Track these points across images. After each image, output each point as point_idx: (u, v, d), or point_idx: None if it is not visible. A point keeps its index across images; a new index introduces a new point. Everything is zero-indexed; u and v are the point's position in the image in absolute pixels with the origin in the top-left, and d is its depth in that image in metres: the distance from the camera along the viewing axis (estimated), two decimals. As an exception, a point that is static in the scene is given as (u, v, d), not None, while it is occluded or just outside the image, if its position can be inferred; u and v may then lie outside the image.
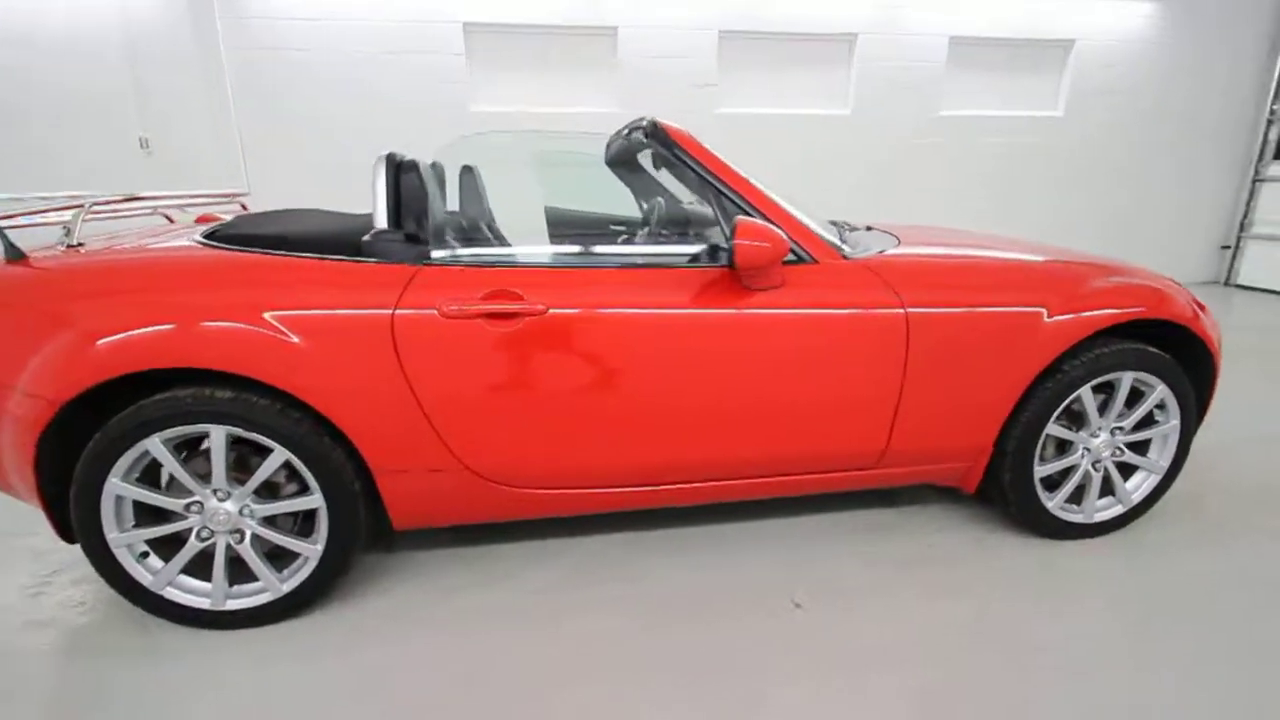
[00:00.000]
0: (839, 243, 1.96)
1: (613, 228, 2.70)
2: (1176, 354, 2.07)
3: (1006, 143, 6.42)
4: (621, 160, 2.72)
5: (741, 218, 1.65)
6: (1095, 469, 2.10)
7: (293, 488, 1.74)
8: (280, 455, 1.63)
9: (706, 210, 1.99)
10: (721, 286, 1.75)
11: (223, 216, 2.29)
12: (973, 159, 6.42)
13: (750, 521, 2.23)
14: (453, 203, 2.36)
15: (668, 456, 1.82)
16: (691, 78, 5.81)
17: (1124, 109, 6.55)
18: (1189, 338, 2.04)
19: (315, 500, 1.68)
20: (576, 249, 1.90)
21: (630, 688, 1.55)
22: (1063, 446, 2.11)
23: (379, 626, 1.76)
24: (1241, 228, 6.93)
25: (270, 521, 1.72)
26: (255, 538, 1.70)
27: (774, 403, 1.81)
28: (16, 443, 1.56)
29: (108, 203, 1.93)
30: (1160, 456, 2.13)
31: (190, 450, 1.70)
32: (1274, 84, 6.62)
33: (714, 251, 1.82)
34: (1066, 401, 1.97)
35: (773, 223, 1.79)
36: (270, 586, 1.72)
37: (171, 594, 1.70)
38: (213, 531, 1.67)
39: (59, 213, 1.88)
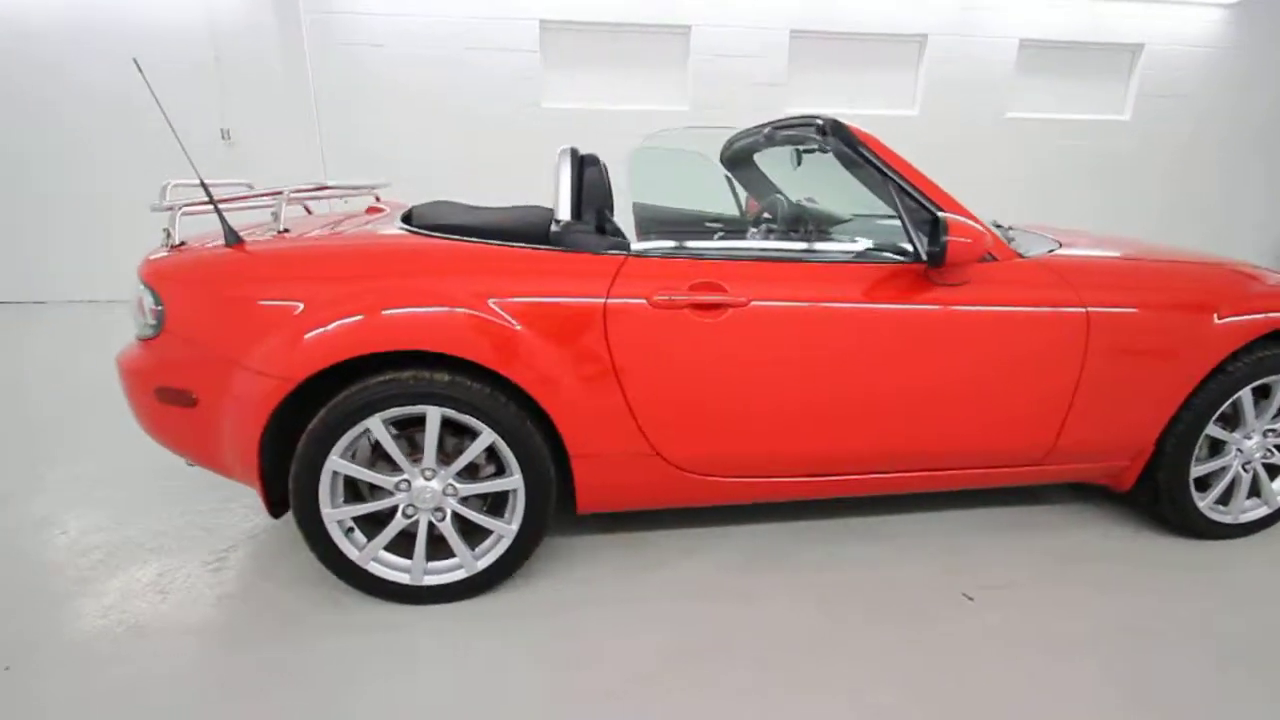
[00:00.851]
0: (1011, 242, 2.00)
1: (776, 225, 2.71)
2: None
3: (1073, 146, 6.40)
4: (740, 159, 2.77)
5: (950, 215, 1.68)
6: (1245, 470, 2.12)
7: (490, 469, 1.80)
8: (488, 437, 1.68)
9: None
10: (911, 281, 1.80)
11: (383, 207, 2.35)
12: (1039, 162, 6.41)
13: (897, 515, 2.27)
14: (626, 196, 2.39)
15: (853, 447, 1.87)
16: (761, 77, 5.85)
17: (1193, 114, 6.52)
18: None
19: (515, 481, 1.74)
20: (771, 244, 1.94)
21: (842, 665, 1.60)
22: (1215, 447, 2.14)
23: (581, 594, 1.84)
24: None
25: (466, 501, 1.78)
26: (454, 516, 1.76)
27: (959, 397, 1.85)
28: (245, 418, 1.63)
29: (304, 190, 2.00)
30: (1310, 458, 2.15)
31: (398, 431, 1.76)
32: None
33: (898, 248, 1.86)
34: (1229, 402, 2.00)
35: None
36: (466, 564, 1.78)
37: (375, 568, 1.77)
38: (417, 509, 1.74)
39: (251, 200, 1.95)
